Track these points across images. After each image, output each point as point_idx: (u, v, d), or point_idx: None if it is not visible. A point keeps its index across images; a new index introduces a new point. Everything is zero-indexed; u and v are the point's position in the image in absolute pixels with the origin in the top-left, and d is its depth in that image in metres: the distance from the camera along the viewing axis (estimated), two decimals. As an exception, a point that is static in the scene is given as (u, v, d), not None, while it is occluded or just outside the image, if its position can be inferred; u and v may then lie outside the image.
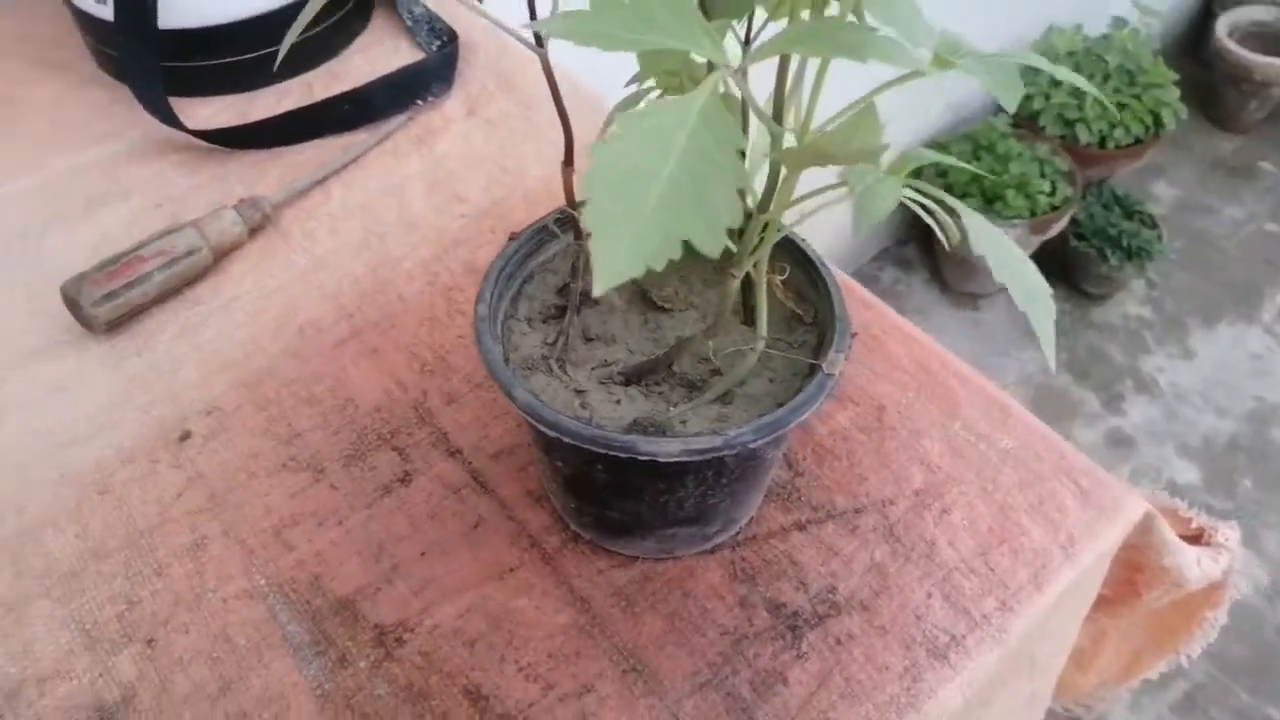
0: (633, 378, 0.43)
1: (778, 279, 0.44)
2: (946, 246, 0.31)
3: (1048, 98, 2.01)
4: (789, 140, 0.36)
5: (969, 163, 1.88)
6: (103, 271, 0.55)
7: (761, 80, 0.37)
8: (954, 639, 0.44)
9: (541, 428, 0.38)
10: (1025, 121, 2.04)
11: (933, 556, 0.47)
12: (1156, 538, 0.52)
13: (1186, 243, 2.14)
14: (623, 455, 0.37)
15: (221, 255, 0.59)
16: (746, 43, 0.39)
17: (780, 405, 0.39)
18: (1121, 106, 2.00)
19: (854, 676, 0.43)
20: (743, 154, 0.26)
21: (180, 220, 0.60)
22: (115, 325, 0.55)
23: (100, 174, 0.65)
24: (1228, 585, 0.60)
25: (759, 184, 0.37)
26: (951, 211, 0.33)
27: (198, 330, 0.56)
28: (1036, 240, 1.92)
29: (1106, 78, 2.01)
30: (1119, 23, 2.12)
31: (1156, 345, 1.97)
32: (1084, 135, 1.99)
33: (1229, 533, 0.58)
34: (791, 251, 0.45)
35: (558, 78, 0.38)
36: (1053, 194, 1.89)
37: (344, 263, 0.60)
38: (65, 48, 0.74)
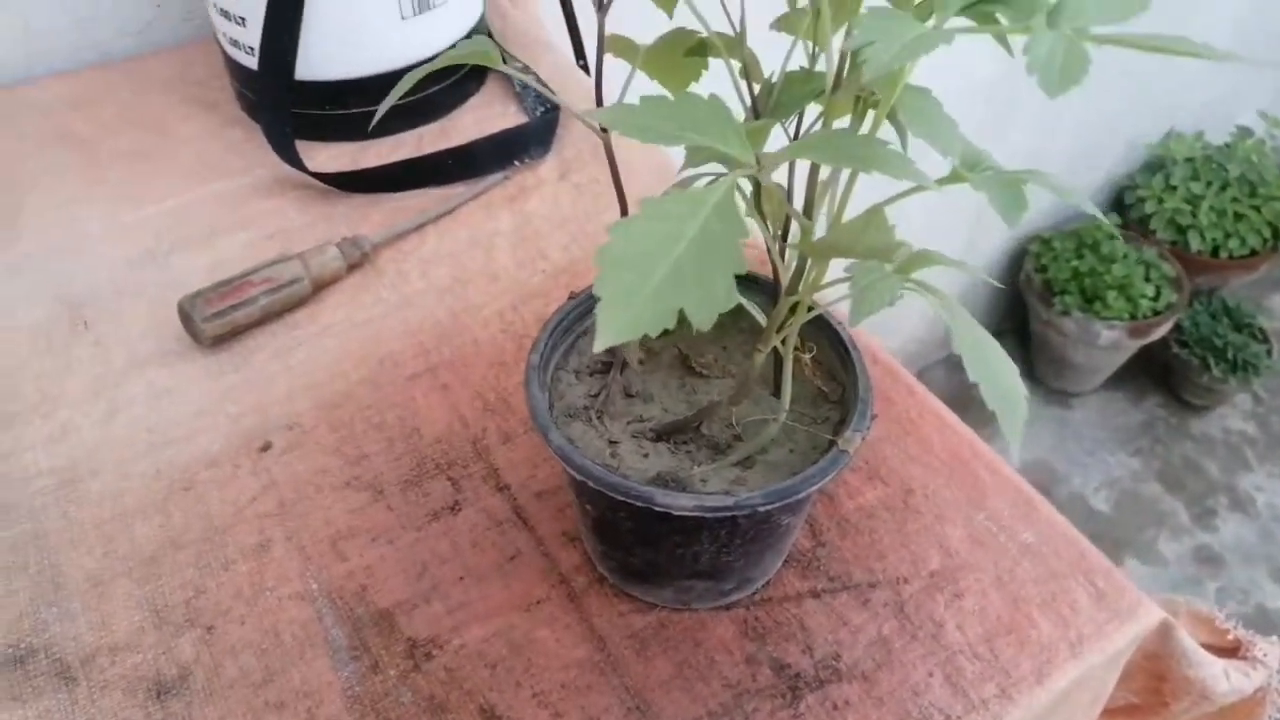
0: (663, 435, 0.46)
1: (806, 356, 0.47)
2: (956, 350, 0.34)
3: (1161, 201, 1.98)
4: (820, 231, 0.39)
5: (1071, 261, 1.86)
6: (216, 291, 0.61)
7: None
8: (949, 719, 0.46)
9: (570, 470, 0.42)
10: (1135, 225, 2.02)
11: (939, 637, 0.48)
12: (1176, 647, 0.52)
13: (1300, 360, 2.07)
14: (640, 504, 0.41)
15: (321, 286, 0.66)
16: (797, 138, 0.43)
17: (795, 474, 0.42)
18: (1239, 217, 1.96)
19: (846, 742, 0.45)
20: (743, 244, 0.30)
21: (289, 252, 0.66)
22: (220, 341, 0.62)
23: (225, 205, 0.72)
24: (1266, 701, 0.59)
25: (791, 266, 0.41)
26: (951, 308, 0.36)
27: (291, 352, 0.62)
28: (1136, 343, 1.89)
29: (1225, 186, 1.98)
30: (1244, 133, 2.09)
31: (1258, 463, 1.90)
32: (1195, 242, 1.96)
33: (1268, 648, 0.58)
34: (825, 332, 0.48)
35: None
36: (1156, 299, 1.86)
37: (429, 304, 0.65)
38: (215, 89, 0.83)
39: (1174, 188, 1.98)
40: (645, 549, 0.46)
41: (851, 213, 0.39)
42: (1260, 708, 0.60)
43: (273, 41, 0.72)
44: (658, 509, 0.40)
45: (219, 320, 0.61)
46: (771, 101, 0.41)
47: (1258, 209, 1.96)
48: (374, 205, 0.73)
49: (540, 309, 0.65)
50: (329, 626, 0.49)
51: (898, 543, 0.52)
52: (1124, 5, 0.29)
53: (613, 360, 0.49)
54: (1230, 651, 0.57)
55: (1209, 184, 1.98)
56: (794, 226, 0.45)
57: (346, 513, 0.53)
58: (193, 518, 0.53)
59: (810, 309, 0.41)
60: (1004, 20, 0.30)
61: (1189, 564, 1.75)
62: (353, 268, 0.67)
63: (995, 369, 0.32)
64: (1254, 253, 1.98)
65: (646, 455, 0.46)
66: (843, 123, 0.38)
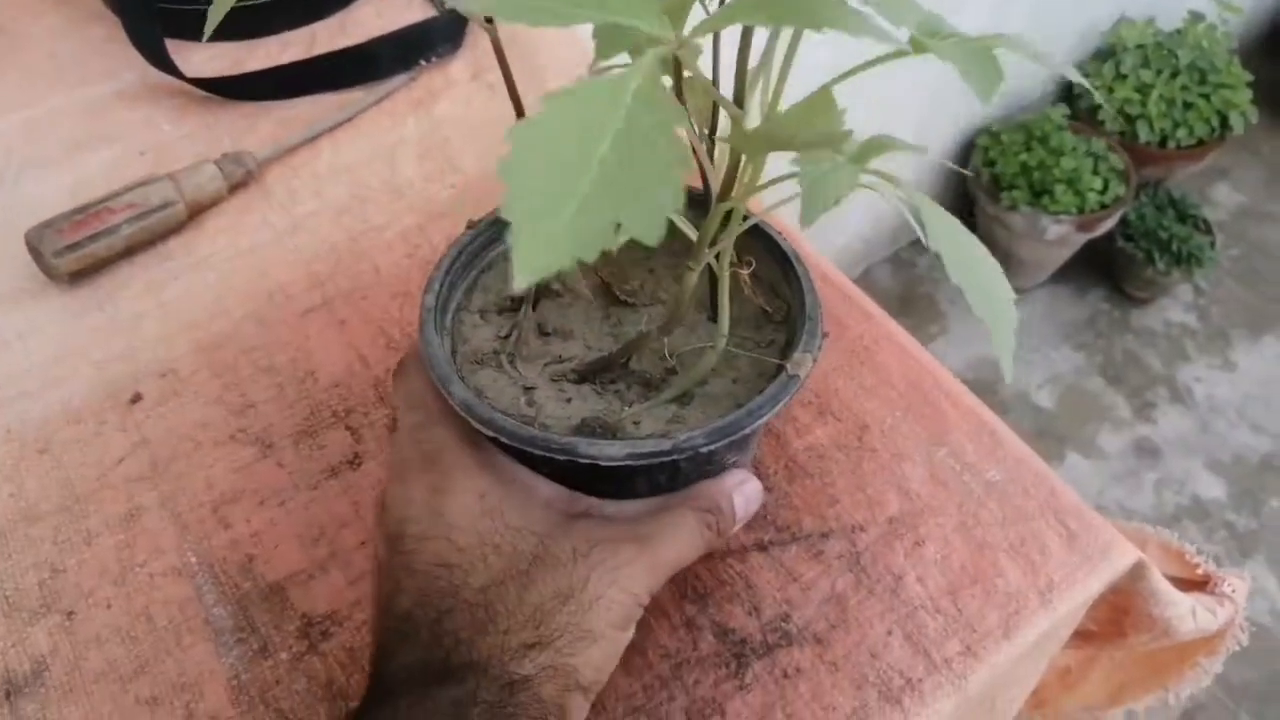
0: (587, 375, 0.41)
1: (745, 272, 0.41)
2: (925, 243, 0.29)
3: (1111, 91, 1.93)
4: (755, 122, 0.33)
5: (1020, 154, 1.81)
6: (69, 221, 0.53)
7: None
8: (909, 682, 0.41)
9: (479, 426, 0.36)
10: (1085, 115, 1.96)
11: (898, 591, 0.44)
12: (1147, 586, 0.48)
13: (1242, 251, 2.07)
14: (561, 458, 0.35)
15: (198, 211, 0.57)
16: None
17: (740, 406, 0.37)
18: (1188, 106, 1.92)
19: (797, 714, 0.40)
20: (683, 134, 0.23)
21: (160, 171, 0.57)
22: (79, 276, 0.54)
23: (87, 115, 0.63)
24: (1228, 636, 0.57)
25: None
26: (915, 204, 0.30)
27: (164, 287, 0.54)
28: (1083, 238, 1.86)
29: (1175, 74, 1.93)
30: (1196, 17, 2.03)
31: (1197, 354, 1.90)
32: (1145, 133, 1.91)
33: (1236, 583, 0.55)
34: (764, 243, 0.42)
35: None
36: (1104, 192, 1.82)
37: (323, 226, 0.58)
38: (71, -21, 0.72)
39: (1124, 76, 1.93)
40: None
41: (787, 103, 0.33)
42: (1221, 641, 0.57)
43: (127, -79, 0.62)
44: (582, 461, 0.35)
45: (74, 254, 0.52)
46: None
47: (1207, 97, 1.92)
48: (260, 115, 0.65)
49: (450, 229, 0.57)
50: (210, 605, 0.43)
51: (852, 486, 0.47)
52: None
53: (523, 296, 0.42)
54: (1199, 585, 0.54)
55: (1159, 72, 1.93)
56: (723, 119, 0.38)
57: (230, 472, 0.47)
58: (49, 485, 0.46)
59: (746, 217, 0.35)
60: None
61: (1129, 457, 1.75)
62: (235, 188, 0.59)
63: (980, 271, 0.27)
64: (1201, 142, 1.94)
65: (569, 400, 0.40)
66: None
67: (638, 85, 0.24)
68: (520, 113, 0.37)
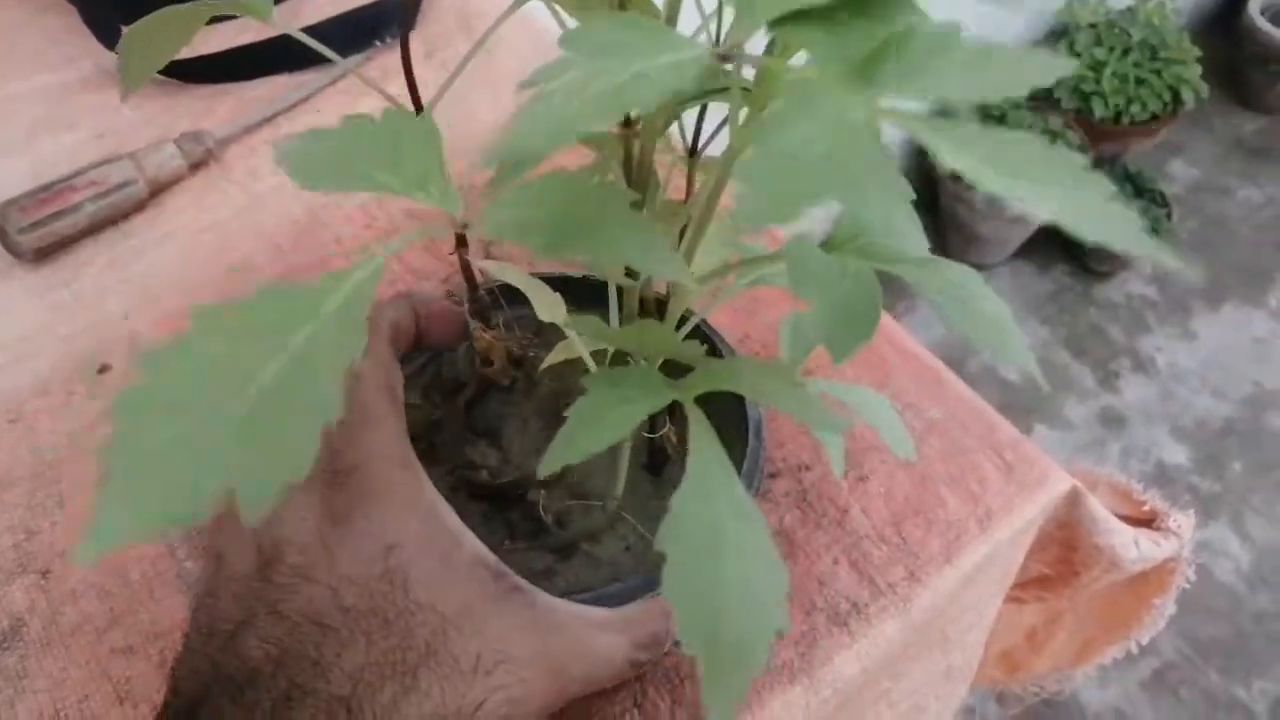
0: (487, 494, 0.37)
1: (670, 433, 0.36)
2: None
3: (1064, 67, 1.96)
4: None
5: (977, 132, 1.84)
6: (33, 199, 0.54)
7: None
8: (856, 607, 0.43)
9: None
10: (1040, 93, 2.00)
11: (844, 524, 0.46)
12: (1086, 514, 0.51)
13: (1199, 224, 2.11)
14: None
15: (159, 189, 0.59)
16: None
17: (613, 581, 0.33)
18: (1140, 82, 1.95)
19: (749, 640, 0.42)
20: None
21: (122, 153, 0.59)
22: (44, 254, 0.55)
23: (46, 102, 0.64)
24: (1178, 572, 0.59)
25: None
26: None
27: (128, 263, 0.56)
28: (1042, 214, 1.89)
29: (1127, 51, 1.97)
30: (1143, -7, 2.07)
31: (1158, 325, 1.94)
32: (1099, 109, 1.95)
33: (1181, 519, 0.57)
34: (734, 399, 0.37)
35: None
36: (1061, 167, 1.86)
37: (284, 201, 0.59)
38: (27, -28, 0.73)
39: (1078, 54, 1.96)
40: None
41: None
42: (1171, 577, 0.59)
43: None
44: None
45: (38, 231, 0.54)
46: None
47: (1158, 73, 1.96)
48: (218, 97, 0.66)
49: (404, 203, 0.59)
50: (182, 560, 0.44)
51: (797, 429, 0.49)
52: None
53: (464, 383, 0.38)
54: (1146, 522, 0.56)
55: (1111, 49, 1.96)
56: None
57: (198, 435, 0.48)
58: (21, 452, 0.47)
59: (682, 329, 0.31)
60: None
61: (1095, 426, 1.78)
62: (195, 167, 0.60)
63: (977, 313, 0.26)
64: (1155, 117, 1.98)
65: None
66: None
67: (340, 304, 0.19)
68: (419, 107, 0.34)
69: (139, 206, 0.58)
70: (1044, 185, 0.18)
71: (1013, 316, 0.28)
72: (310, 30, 0.68)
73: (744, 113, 0.23)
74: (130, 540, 0.16)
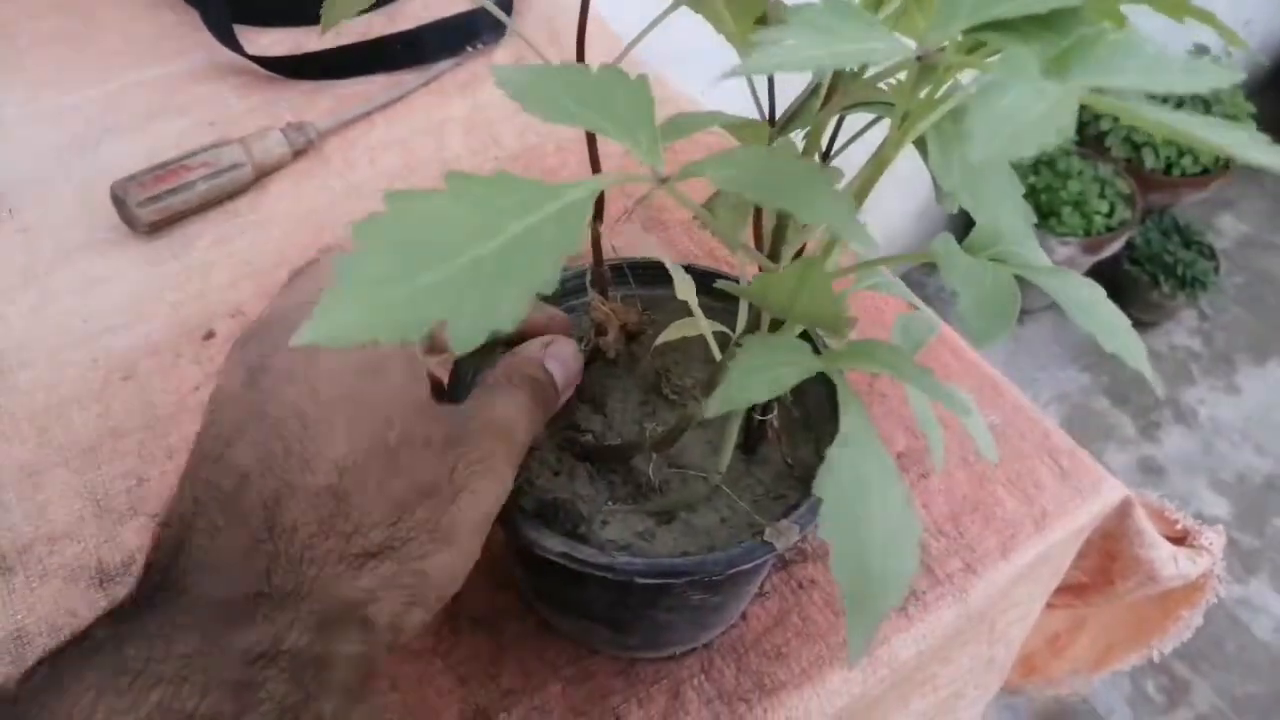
0: (591, 455, 0.39)
1: (772, 419, 0.38)
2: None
3: (1116, 118, 1.98)
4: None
5: (1025, 179, 1.86)
6: (151, 175, 0.58)
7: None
8: (915, 594, 0.45)
9: None
10: (1091, 140, 2.02)
11: (905, 516, 0.48)
12: (1132, 526, 0.52)
13: (1246, 279, 2.10)
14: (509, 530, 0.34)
15: (264, 173, 0.62)
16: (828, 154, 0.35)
17: (709, 549, 0.35)
18: (1192, 134, 1.97)
19: (811, 618, 0.44)
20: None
21: (230, 138, 0.62)
22: (157, 227, 0.59)
23: (160, 91, 0.68)
24: (1207, 587, 0.60)
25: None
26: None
27: (233, 240, 0.59)
28: (1089, 260, 1.90)
29: (1180, 105, 1.98)
30: (1201, 50, 2.09)
31: (1201, 377, 1.93)
32: (1150, 160, 1.97)
33: (1213, 536, 0.58)
34: (829, 390, 0.38)
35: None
36: (1110, 215, 1.87)
37: (376, 192, 0.62)
38: (142, -28, 0.78)
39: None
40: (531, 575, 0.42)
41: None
42: (1201, 594, 0.61)
43: (205, -87, 0.67)
44: (521, 540, 0.34)
45: (155, 205, 0.57)
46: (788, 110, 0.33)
47: (1211, 126, 1.97)
48: (320, 92, 0.70)
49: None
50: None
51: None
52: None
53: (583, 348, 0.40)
54: (1178, 541, 0.58)
55: (1164, 101, 1.98)
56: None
57: (296, 400, 0.51)
58: (133, 407, 0.51)
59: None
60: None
61: (1134, 474, 1.78)
62: (298, 154, 0.64)
63: (1099, 313, 0.27)
64: (1206, 171, 1.99)
65: (558, 474, 0.38)
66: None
67: (565, 205, 0.22)
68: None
69: (245, 188, 0.61)
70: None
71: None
72: (406, 34, 0.72)
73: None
74: (343, 338, 0.18)
